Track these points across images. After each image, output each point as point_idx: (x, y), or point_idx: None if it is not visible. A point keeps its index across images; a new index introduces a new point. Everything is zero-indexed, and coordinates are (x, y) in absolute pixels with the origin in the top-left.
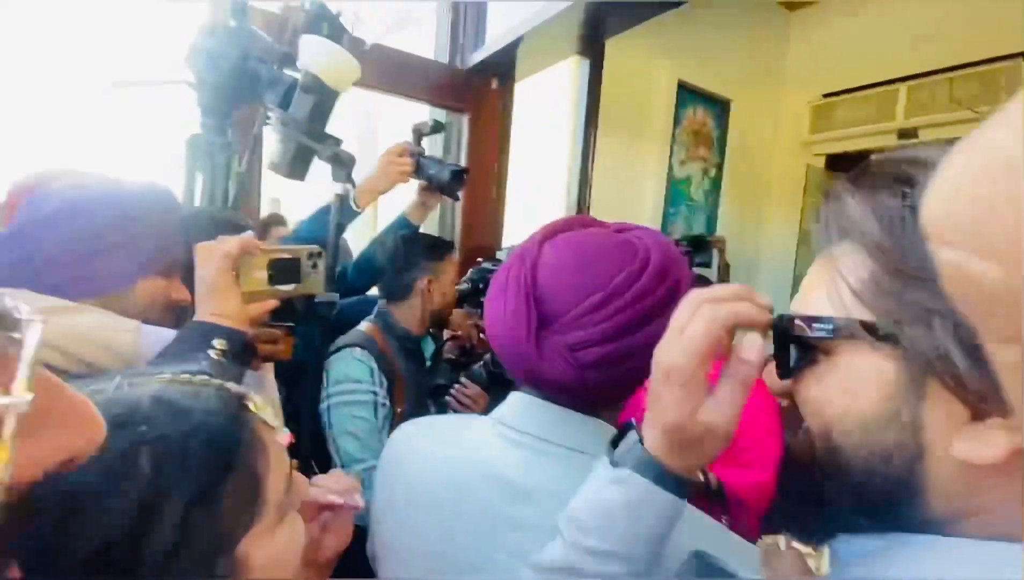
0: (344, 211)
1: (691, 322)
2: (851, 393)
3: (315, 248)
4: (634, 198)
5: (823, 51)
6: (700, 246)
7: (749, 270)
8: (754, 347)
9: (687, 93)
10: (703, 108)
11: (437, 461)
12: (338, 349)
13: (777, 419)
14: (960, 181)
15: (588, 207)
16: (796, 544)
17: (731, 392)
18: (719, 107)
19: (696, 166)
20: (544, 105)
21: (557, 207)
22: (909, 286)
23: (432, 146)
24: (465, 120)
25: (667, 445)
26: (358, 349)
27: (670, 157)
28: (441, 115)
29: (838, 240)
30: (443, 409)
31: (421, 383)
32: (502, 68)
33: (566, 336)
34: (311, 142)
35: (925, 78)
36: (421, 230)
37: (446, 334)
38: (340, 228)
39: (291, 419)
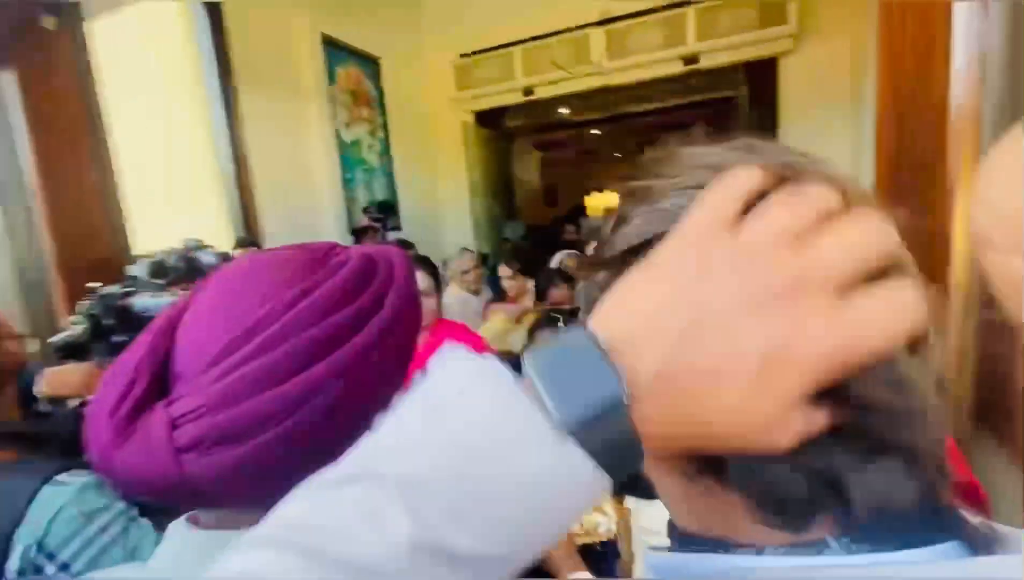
0: None
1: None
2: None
3: None
4: (304, 167)
5: (457, 11)
6: (391, 210)
7: (432, 225)
8: None
9: (334, 49)
10: (355, 66)
11: None
12: None
13: None
14: (1010, 185)
15: (249, 183)
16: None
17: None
18: (370, 65)
19: (362, 128)
20: (140, 56)
21: (207, 185)
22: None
23: None
24: (10, 79)
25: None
26: None
27: (334, 119)
28: None
29: None
30: None
31: None
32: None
33: (172, 407)
34: None
35: (539, 40)
36: None
37: None
38: None
39: None
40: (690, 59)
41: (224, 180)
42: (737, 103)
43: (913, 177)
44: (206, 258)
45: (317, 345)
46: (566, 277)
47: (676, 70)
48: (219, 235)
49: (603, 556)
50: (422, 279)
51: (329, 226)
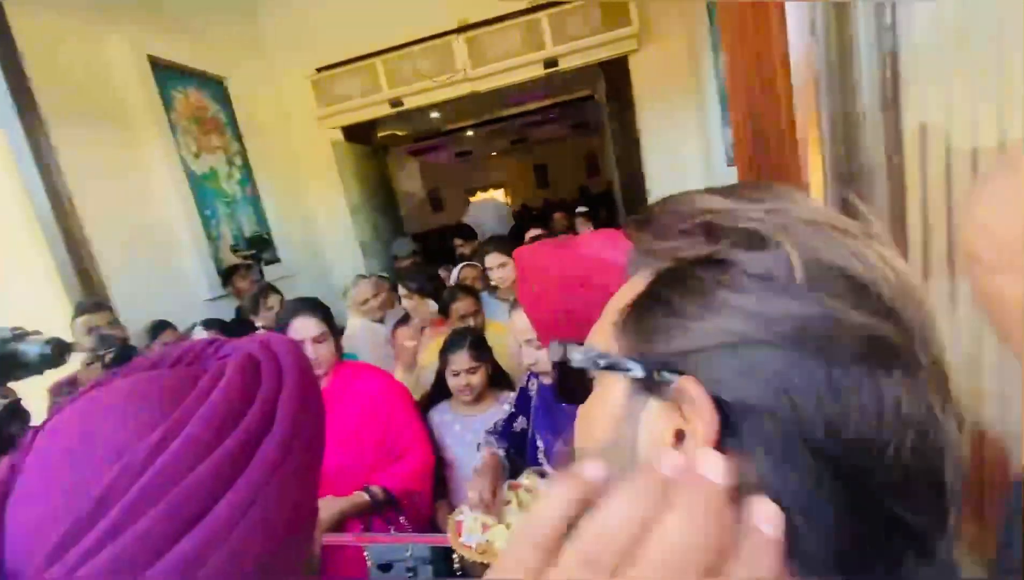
0: None
1: None
2: (589, 420)
3: None
4: (151, 207)
5: (303, 23)
6: (263, 244)
7: (314, 253)
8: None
9: (166, 71)
10: (195, 88)
11: None
12: None
13: (411, 399)
14: (1000, 205)
15: (79, 234)
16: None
17: None
18: (214, 86)
19: (215, 157)
20: None
21: (25, 245)
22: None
23: None
24: None
25: None
26: None
27: (178, 150)
28: None
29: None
30: None
31: None
32: None
33: None
34: None
35: (401, 50)
36: None
37: None
38: None
39: None
40: (550, 62)
41: (46, 234)
42: (596, 96)
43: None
44: (29, 349)
45: (191, 503)
46: (467, 290)
47: (538, 73)
48: (53, 305)
49: None
50: (314, 325)
51: (193, 271)
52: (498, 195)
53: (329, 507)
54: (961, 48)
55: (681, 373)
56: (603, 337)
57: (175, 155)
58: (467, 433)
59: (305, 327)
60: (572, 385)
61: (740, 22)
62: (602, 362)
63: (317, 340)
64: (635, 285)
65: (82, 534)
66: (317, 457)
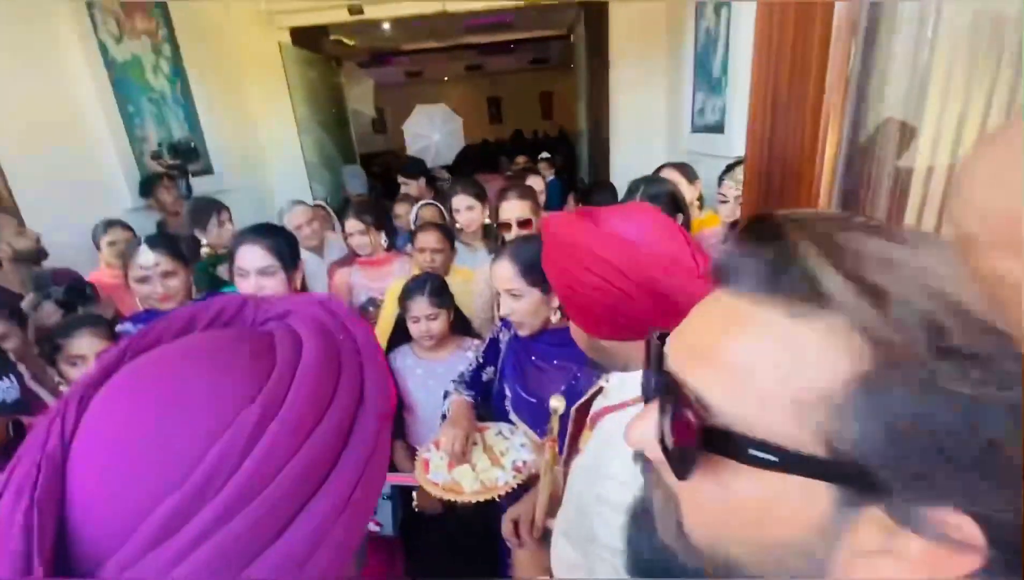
0: None
1: None
2: (765, 521)
3: None
4: (63, 97)
5: None
6: (190, 153)
7: (254, 169)
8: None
9: None
10: None
11: None
12: None
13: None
14: (990, 182)
15: None
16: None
17: None
18: None
19: (141, 44)
20: None
21: None
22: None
23: None
24: None
25: None
26: None
27: (96, 32)
28: None
29: (803, 304)
30: None
31: None
32: None
33: None
34: None
35: None
36: None
37: None
38: None
39: None
40: None
41: None
42: (571, 40)
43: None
44: None
45: (296, 491)
46: (437, 225)
47: (514, 2)
48: None
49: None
50: (259, 256)
51: (111, 176)
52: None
53: None
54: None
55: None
56: (782, 420)
57: (91, 36)
58: (429, 378)
59: (251, 256)
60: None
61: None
62: (804, 465)
63: (263, 273)
64: (823, 361)
65: (183, 521)
66: (387, 439)
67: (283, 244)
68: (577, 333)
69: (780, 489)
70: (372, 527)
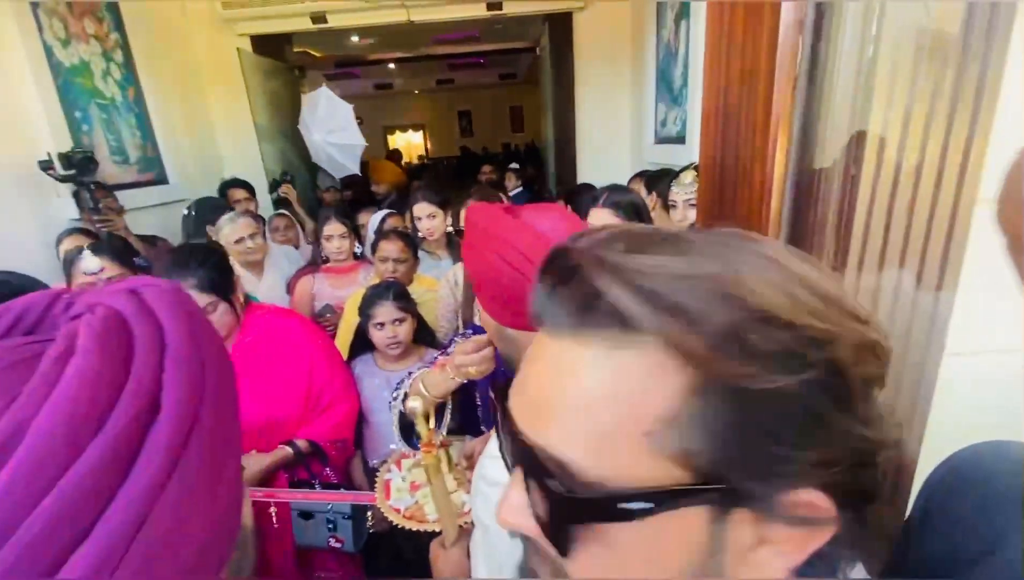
0: None
1: None
2: (654, 560)
3: None
4: (6, 103)
5: None
6: (84, 166)
7: (210, 178)
8: None
9: None
10: None
11: None
12: None
13: (336, 351)
14: None
15: None
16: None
17: None
18: None
19: (90, 48)
20: None
21: None
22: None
23: None
24: None
25: None
26: None
27: (40, 33)
28: None
29: (618, 335)
30: None
31: None
32: None
33: None
34: None
35: None
36: None
37: None
38: None
39: None
40: (494, 3)
41: None
42: (537, 53)
43: (733, 183)
44: None
45: (64, 523)
46: (400, 233)
47: (479, 13)
48: None
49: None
50: (197, 298)
51: (55, 185)
52: (416, 137)
53: (255, 463)
54: (927, 63)
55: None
56: (641, 459)
57: (36, 37)
58: (385, 389)
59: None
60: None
61: (731, 8)
62: (677, 500)
63: (209, 307)
64: (653, 386)
65: None
66: (232, 428)
67: (214, 272)
68: (487, 322)
69: (660, 527)
70: (333, 543)
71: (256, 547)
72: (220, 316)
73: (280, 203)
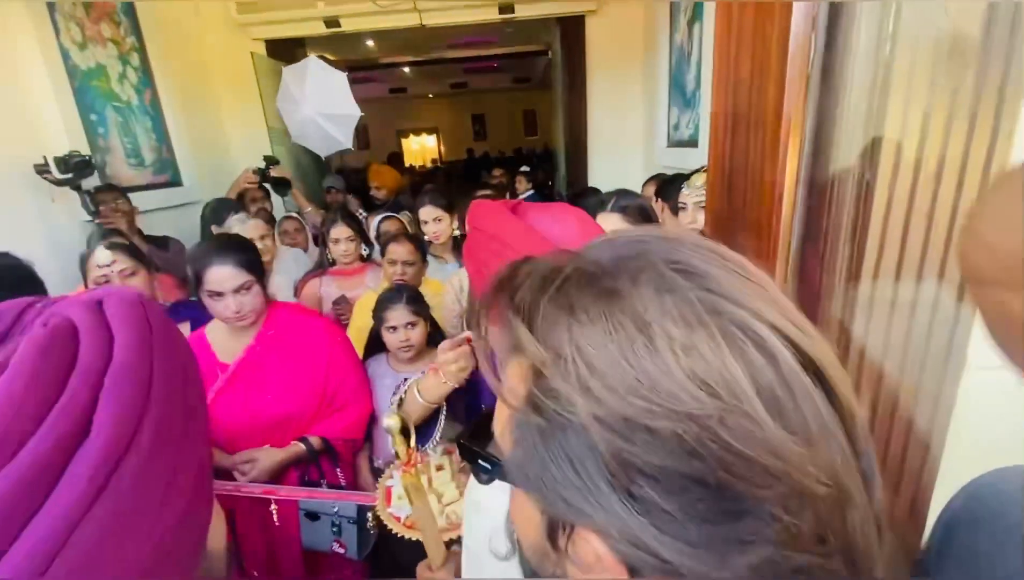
0: None
1: None
2: (520, 523)
3: None
4: (15, 104)
5: None
6: (81, 169)
7: (223, 180)
8: None
9: None
10: None
11: None
12: None
13: (354, 353)
14: (1003, 221)
15: None
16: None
17: None
18: None
19: (106, 51)
20: None
21: None
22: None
23: None
24: None
25: None
26: None
27: (57, 36)
28: None
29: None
30: None
31: None
32: None
33: None
34: None
35: None
36: None
37: None
38: None
39: None
40: (506, 7)
41: None
42: (549, 56)
43: (744, 181)
44: None
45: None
46: (408, 236)
47: (491, 17)
48: None
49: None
50: (230, 275)
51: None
52: (429, 141)
53: (269, 457)
54: (947, 65)
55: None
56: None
57: (53, 41)
58: (396, 391)
59: (221, 278)
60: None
61: (740, 6)
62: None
63: (242, 289)
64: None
65: None
66: (187, 442)
67: (252, 255)
68: None
69: (519, 499)
70: (336, 548)
71: (231, 563)
72: (253, 297)
73: (273, 185)
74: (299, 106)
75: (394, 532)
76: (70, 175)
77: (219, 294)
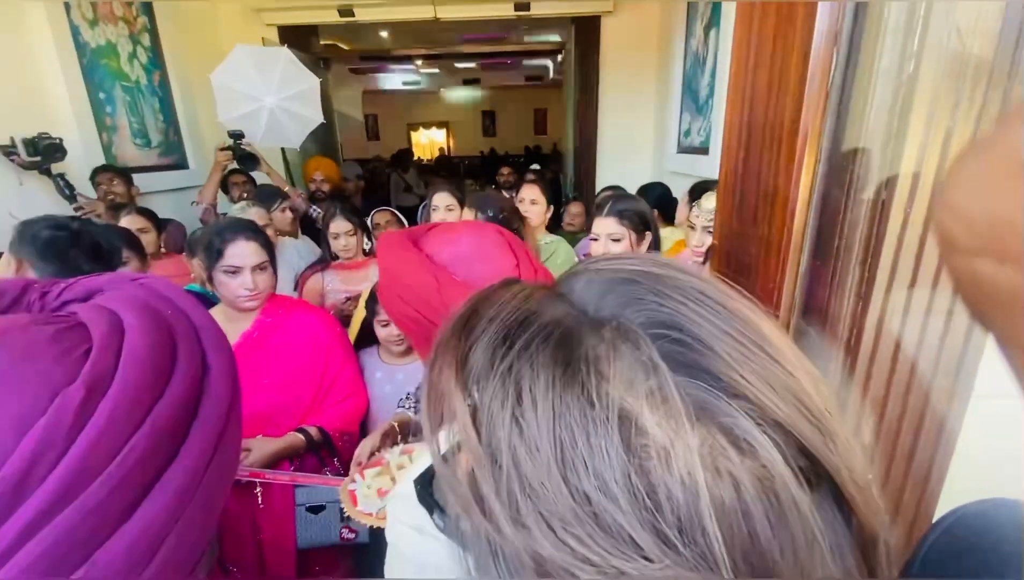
0: None
1: None
2: None
3: None
4: (24, 81)
5: None
6: (50, 152)
7: None
8: None
9: None
10: None
11: None
12: None
13: (351, 348)
14: (975, 188)
15: None
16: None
17: None
18: None
19: (116, 30)
20: None
21: None
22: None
23: None
24: None
25: None
26: None
27: (68, 13)
28: None
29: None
30: None
31: None
32: None
33: None
34: None
35: None
36: None
37: None
38: None
39: None
40: (522, 4)
41: None
42: (562, 55)
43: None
44: None
45: (150, 455)
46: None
47: (507, 13)
48: None
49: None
50: (254, 252)
51: (77, 164)
52: (438, 135)
53: (263, 447)
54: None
55: None
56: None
57: (63, 16)
58: (387, 383)
59: (244, 253)
60: None
61: (762, 12)
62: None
63: (259, 268)
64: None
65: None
66: (239, 415)
67: (268, 239)
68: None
69: None
70: (346, 535)
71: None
72: (268, 277)
73: (239, 160)
74: (262, 94)
75: (370, 525)
76: (38, 158)
77: (237, 270)
